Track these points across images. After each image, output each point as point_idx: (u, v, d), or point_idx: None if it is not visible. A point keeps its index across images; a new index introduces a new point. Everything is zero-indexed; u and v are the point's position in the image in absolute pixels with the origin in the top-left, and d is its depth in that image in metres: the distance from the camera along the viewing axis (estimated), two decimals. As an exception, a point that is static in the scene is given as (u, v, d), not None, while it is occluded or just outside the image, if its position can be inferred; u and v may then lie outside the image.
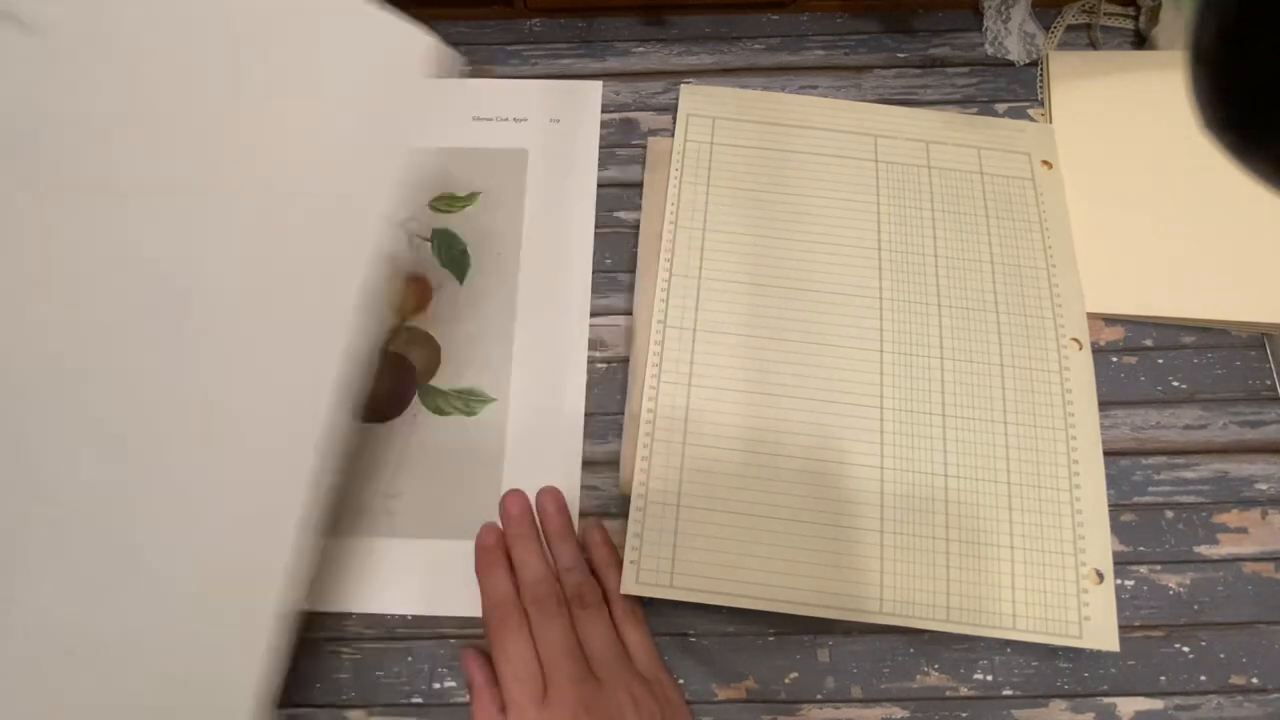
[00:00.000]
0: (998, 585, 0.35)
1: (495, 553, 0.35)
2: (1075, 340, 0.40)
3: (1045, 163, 0.43)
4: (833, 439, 0.38)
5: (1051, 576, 0.35)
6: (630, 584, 0.35)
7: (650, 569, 0.35)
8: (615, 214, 0.44)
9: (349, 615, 0.37)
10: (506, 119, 0.45)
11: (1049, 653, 0.35)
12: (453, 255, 0.42)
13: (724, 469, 0.37)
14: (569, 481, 0.38)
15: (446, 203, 0.43)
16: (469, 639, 0.36)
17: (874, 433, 0.38)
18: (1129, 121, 0.44)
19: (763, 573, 0.35)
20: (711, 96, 0.45)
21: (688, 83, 0.46)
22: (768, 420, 0.38)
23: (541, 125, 0.45)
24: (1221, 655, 0.35)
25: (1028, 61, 0.46)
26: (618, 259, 0.43)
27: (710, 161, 0.43)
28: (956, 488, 0.37)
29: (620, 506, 0.38)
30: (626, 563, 0.35)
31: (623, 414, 0.39)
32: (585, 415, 0.39)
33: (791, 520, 0.36)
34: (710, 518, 0.36)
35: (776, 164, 0.43)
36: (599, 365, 0.41)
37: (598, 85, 0.46)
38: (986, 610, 0.35)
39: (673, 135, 0.45)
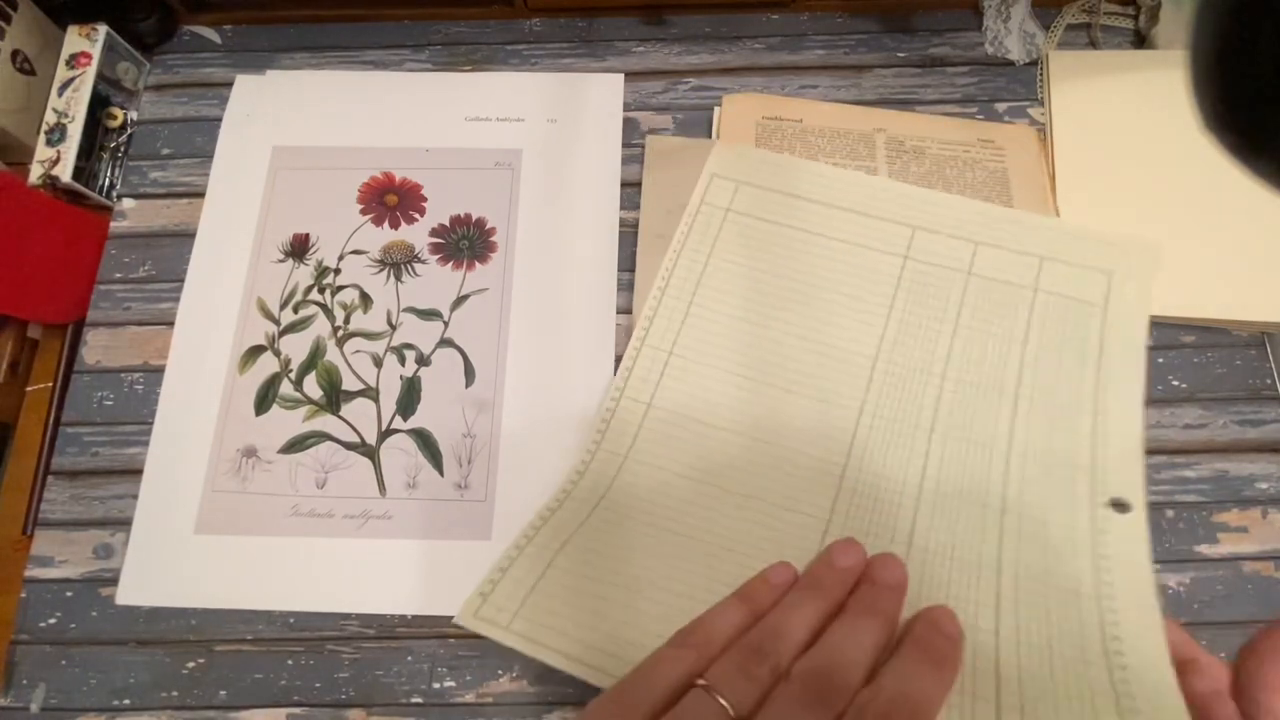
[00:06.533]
0: None
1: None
2: (1116, 503, 0.32)
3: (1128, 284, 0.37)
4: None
5: None
6: (467, 617, 0.30)
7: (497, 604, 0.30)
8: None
9: (349, 615, 0.37)
10: (507, 118, 0.46)
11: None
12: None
13: (635, 543, 0.33)
14: None
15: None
16: (469, 639, 0.36)
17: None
18: (1129, 121, 0.44)
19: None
20: (744, 158, 0.42)
21: (715, 143, 0.44)
22: (709, 524, 0.33)
23: (543, 122, 0.46)
24: (1222, 654, 0.35)
25: (1028, 61, 0.46)
26: (618, 258, 0.43)
27: (719, 231, 0.40)
28: None
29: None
30: (475, 593, 0.31)
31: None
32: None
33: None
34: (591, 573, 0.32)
35: (788, 243, 0.39)
36: (599, 365, 0.41)
37: (618, 78, 0.46)
38: None
39: (673, 133, 0.45)
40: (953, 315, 0.37)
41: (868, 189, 0.40)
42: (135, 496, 0.38)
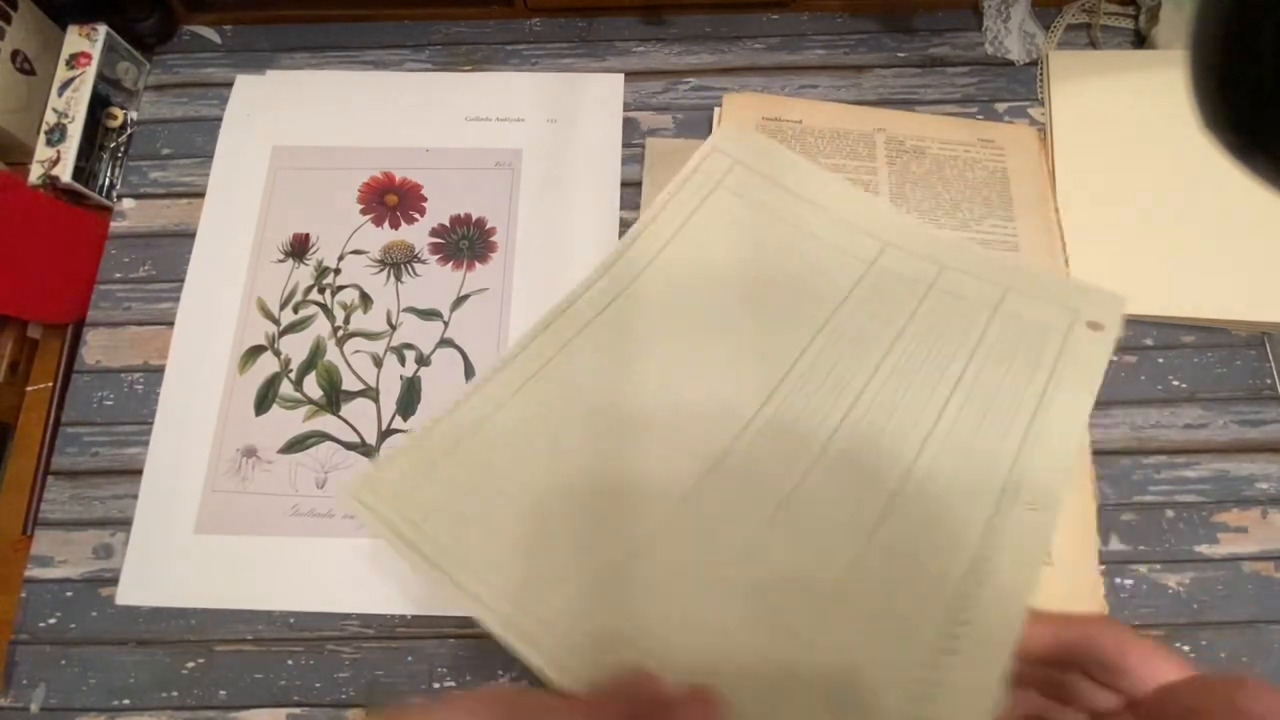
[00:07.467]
0: None
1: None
2: (1028, 503, 0.30)
3: (1092, 324, 0.35)
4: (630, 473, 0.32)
5: None
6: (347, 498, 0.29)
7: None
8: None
9: (349, 615, 0.37)
10: (507, 118, 0.46)
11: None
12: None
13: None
14: None
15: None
16: (469, 639, 0.36)
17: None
18: (1129, 121, 0.44)
19: None
20: (746, 141, 0.42)
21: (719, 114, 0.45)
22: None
23: (543, 122, 0.46)
24: (1222, 654, 0.35)
25: (1028, 61, 0.46)
26: (618, 259, 0.43)
27: (702, 204, 0.40)
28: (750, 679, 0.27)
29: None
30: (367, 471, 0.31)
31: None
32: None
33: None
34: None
35: (764, 228, 0.39)
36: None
37: (618, 78, 0.46)
38: None
39: (673, 133, 0.45)
40: (903, 320, 0.36)
41: (855, 203, 0.40)
42: (135, 496, 0.38)
